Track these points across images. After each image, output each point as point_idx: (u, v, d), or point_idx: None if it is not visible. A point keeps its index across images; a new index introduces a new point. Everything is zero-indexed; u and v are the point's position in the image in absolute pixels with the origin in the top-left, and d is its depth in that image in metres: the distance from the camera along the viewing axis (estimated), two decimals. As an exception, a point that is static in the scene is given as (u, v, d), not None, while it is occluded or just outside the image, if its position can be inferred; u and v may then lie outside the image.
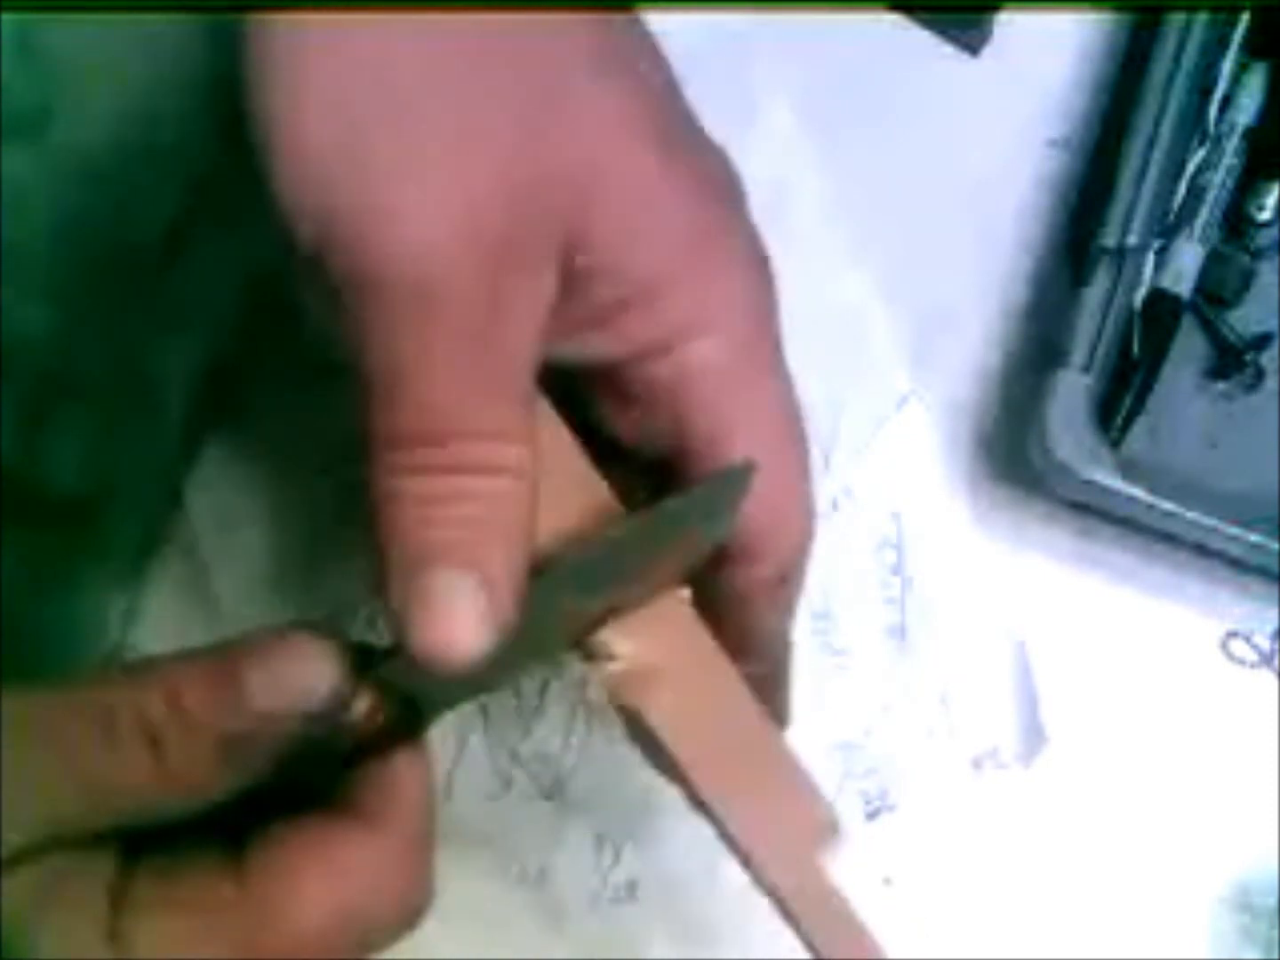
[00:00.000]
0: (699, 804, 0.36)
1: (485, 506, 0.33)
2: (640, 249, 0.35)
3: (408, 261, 0.32)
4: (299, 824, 0.32)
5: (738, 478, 0.35)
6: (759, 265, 0.37)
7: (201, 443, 0.51)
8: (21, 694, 0.31)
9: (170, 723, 0.31)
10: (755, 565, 0.38)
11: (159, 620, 0.51)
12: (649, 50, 0.36)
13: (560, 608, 0.34)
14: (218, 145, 0.48)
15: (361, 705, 0.32)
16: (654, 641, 0.36)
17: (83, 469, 0.49)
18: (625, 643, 0.36)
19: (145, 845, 0.31)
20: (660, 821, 0.49)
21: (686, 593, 0.38)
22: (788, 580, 0.39)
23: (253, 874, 0.31)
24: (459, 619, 0.32)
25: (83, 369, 0.49)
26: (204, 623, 0.50)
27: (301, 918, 0.31)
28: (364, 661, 0.32)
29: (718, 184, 0.37)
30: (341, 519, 0.51)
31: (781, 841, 0.35)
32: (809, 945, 0.36)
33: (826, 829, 0.36)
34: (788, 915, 0.36)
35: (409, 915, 0.33)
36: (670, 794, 0.45)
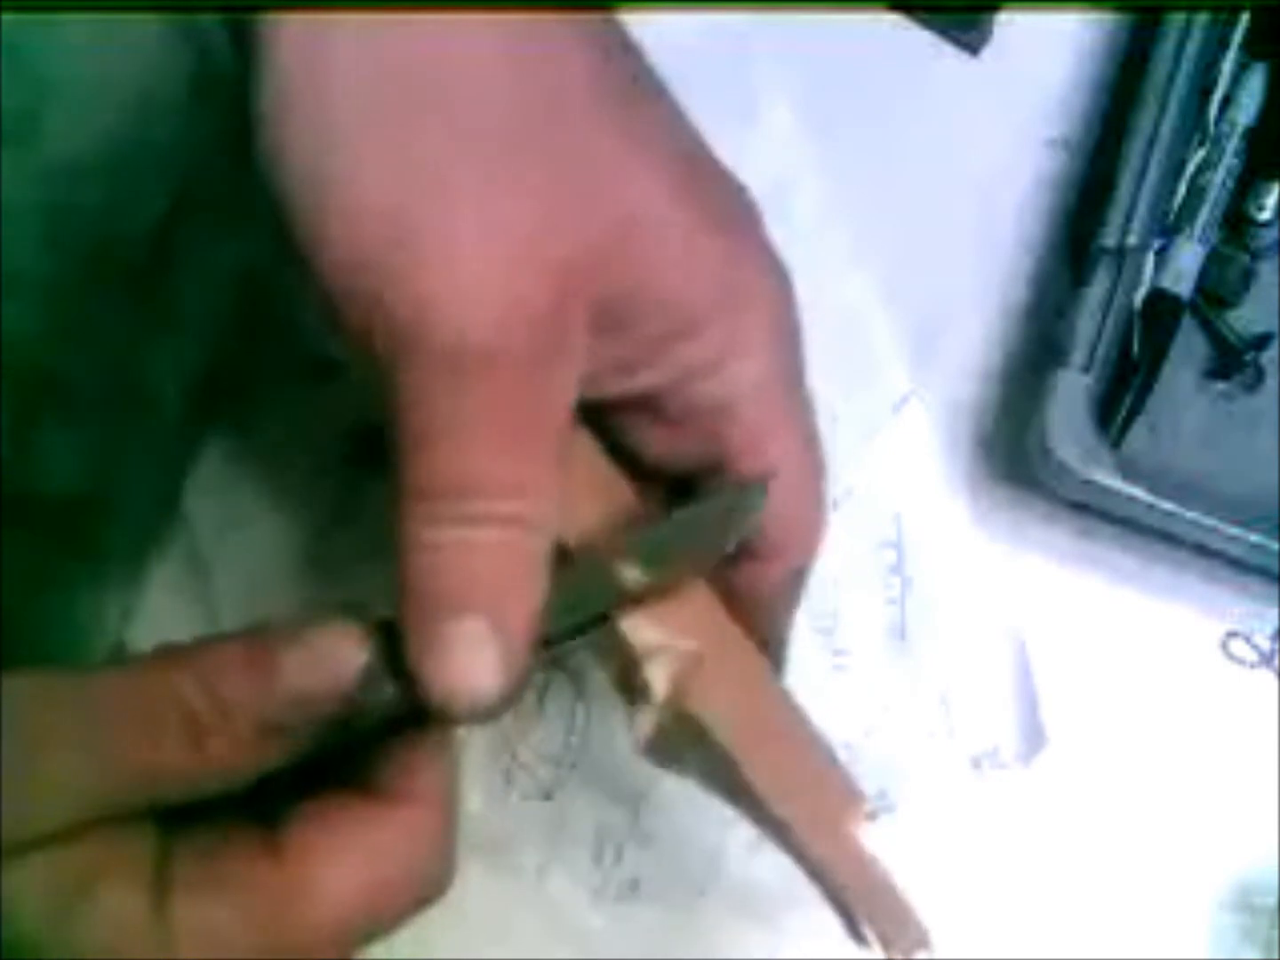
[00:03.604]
0: (737, 794, 0.37)
1: (500, 557, 0.34)
2: (680, 290, 0.36)
3: (448, 340, 0.33)
4: (332, 803, 0.33)
5: (758, 490, 0.37)
6: (785, 284, 0.38)
7: (201, 443, 0.51)
8: (49, 677, 0.32)
9: (209, 709, 0.32)
10: (775, 563, 0.39)
11: (158, 620, 0.50)
12: (646, 69, 0.37)
13: (604, 580, 0.36)
14: (206, 144, 0.48)
15: (390, 686, 0.33)
16: (686, 626, 0.37)
17: (78, 470, 0.49)
18: (657, 630, 0.37)
19: (181, 821, 0.32)
20: (660, 820, 0.49)
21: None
22: (800, 577, 0.41)
23: (289, 854, 0.32)
24: (472, 665, 0.33)
25: (74, 369, 0.49)
26: (204, 623, 0.50)
27: (334, 898, 0.32)
28: (392, 642, 0.33)
29: (741, 211, 0.38)
30: (341, 519, 0.51)
31: (822, 817, 0.37)
32: (853, 912, 0.36)
33: (856, 800, 0.37)
34: (830, 887, 0.36)
35: (431, 892, 0.34)
36: (670, 793, 0.45)
